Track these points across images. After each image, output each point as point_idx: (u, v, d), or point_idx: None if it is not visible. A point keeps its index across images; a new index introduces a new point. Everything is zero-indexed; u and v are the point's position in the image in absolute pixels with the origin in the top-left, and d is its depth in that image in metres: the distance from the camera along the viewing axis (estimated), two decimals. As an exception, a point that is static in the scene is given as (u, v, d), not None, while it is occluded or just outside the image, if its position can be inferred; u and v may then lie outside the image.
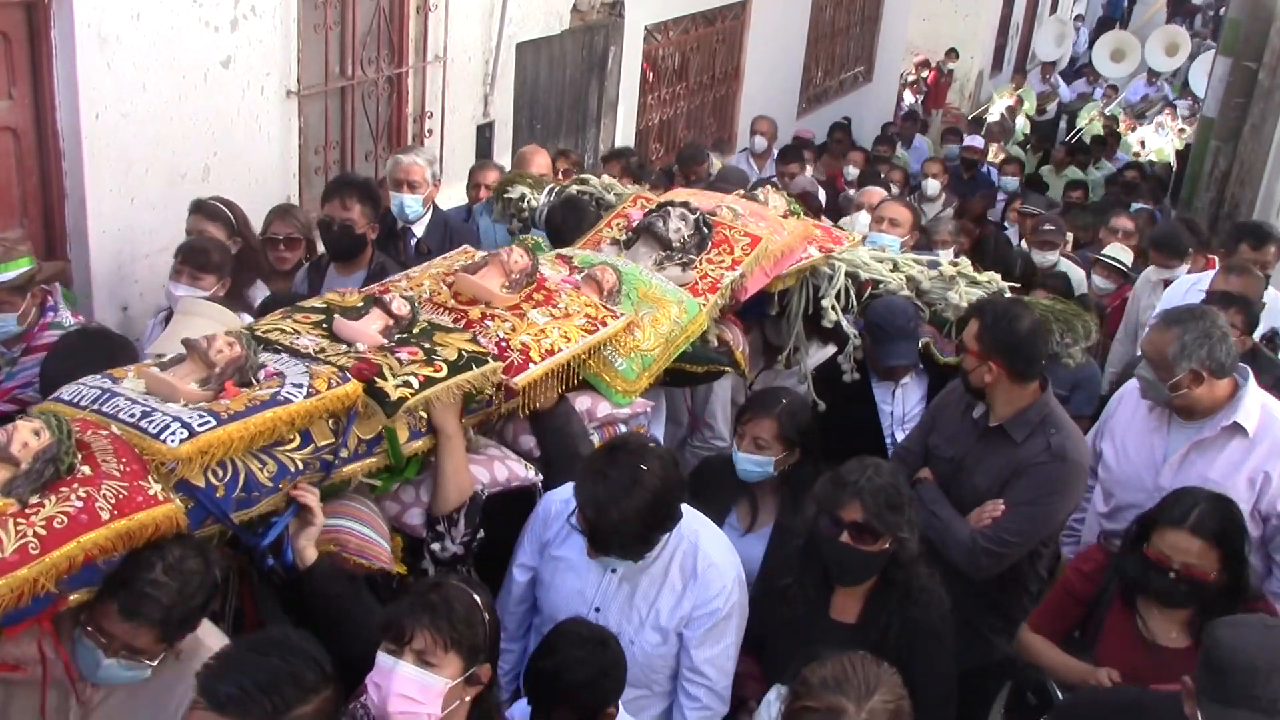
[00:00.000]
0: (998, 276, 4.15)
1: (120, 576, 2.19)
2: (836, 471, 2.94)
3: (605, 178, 4.67)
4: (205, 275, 3.97)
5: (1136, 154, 12.87)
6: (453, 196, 6.33)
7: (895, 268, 4.16)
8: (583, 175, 4.80)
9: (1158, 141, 13.37)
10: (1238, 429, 3.51)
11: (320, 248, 4.68)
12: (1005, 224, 8.54)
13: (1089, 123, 13.53)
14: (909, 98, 14.86)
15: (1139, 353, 3.99)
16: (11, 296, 3.65)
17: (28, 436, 2.12)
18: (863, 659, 2.35)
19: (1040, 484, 3.38)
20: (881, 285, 4.11)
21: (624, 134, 8.72)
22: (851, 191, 8.19)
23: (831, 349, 4.25)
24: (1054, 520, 3.52)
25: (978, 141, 10.75)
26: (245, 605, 2.55)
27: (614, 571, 2.86)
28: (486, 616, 2.32)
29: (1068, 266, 6.49)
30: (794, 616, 2.97)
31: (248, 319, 3.55)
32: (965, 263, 4.22)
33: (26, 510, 2.06)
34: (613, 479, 2.65)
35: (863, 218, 6.01)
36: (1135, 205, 8.48)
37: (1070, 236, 6.86)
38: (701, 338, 3.56)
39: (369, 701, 2.26)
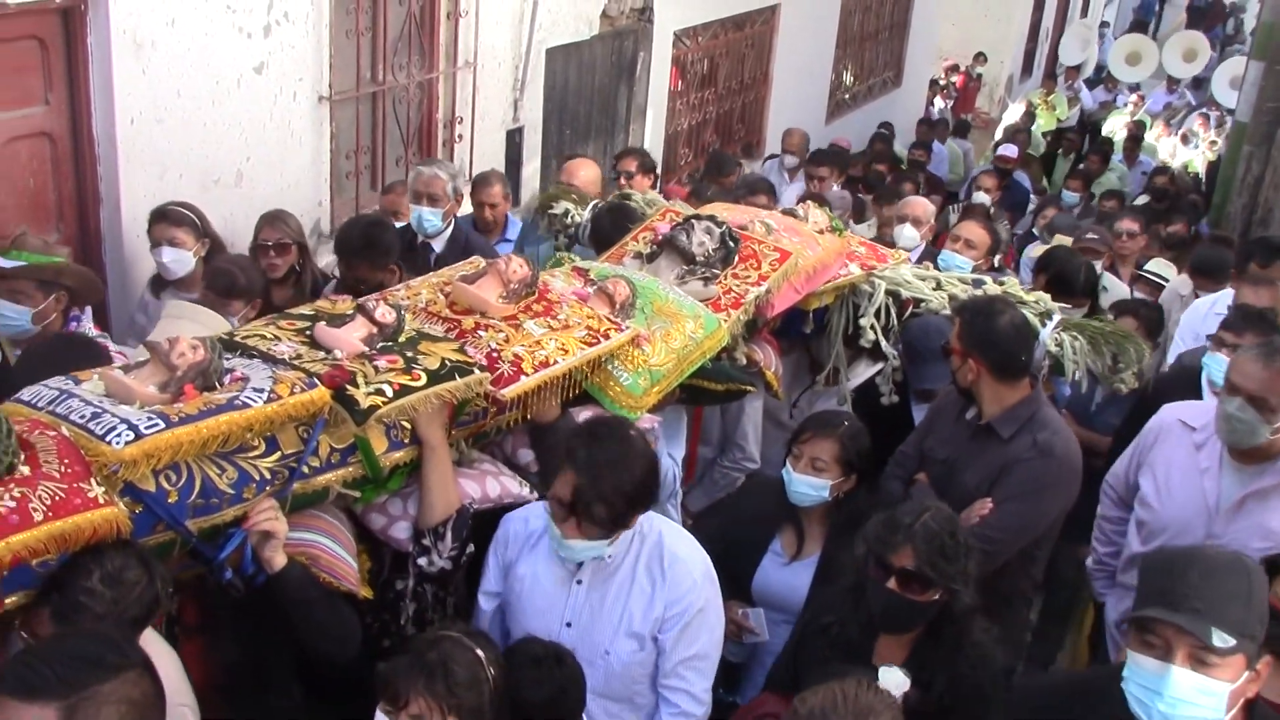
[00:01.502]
0: (1046, 296, 3.82)
1: (56, 581, 2.03)
2: (891, 511, 2.63)
3: (650, 193, 4.40)
4: (232, 301, 3.74)
5: (1165, 163, 12.22)
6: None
7: (938, 286, 3.87)
8: (626, 190, 4.54)
9: (1187, 153, 12.64)
10: None
11: (314, 254, 4.52)
12: (1035, 232, 7.94)
13: (1115, 131, 12.89)
14: (939, 103, 14.41)
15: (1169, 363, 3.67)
16: (27, 287, 3.39)
17: (-36, 436, 1.93)
18: (858, 684, 2.08)
19: (1026, 480, 3.19)
20: (923, 304, 3.83)
21: (653, 139, 8.48)
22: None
23: (875, 369, 4.00)
24: (1042, 518, 3.28)
25: (1011, 150, 10.09)
26: (184, 613, 2.34)
27: (580, 583, 2.62)
28: (492, 673, 2.12)
29: (1110, 281, 5.83)
30: (834, 659, 2.64)
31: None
32: (1012, 281, 3.92)
33: None
34: (608, 446, 2.47)
35: (908, 230, 5.52)
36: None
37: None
38: (729, 356, 3.32)
39: None
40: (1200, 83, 16.49)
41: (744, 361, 3.51)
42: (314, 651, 2.46)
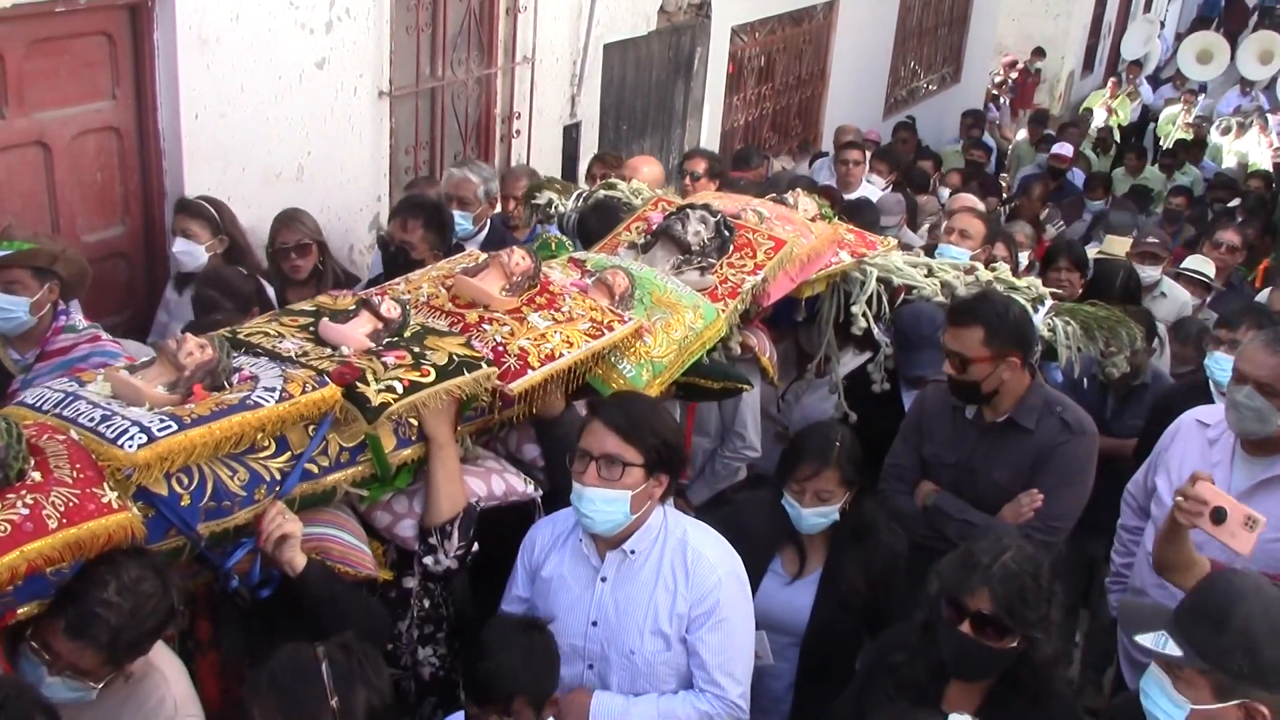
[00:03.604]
0: (1037, 282, 3.66)
1: (70, 592, 1.95)
2: (968, 548, 2.36)
3: (634, 182, 4.26)
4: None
5: (1239, 165, 11.54)
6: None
7: (930, 273, 3.71)
8: (610, 180, 4.42)
9: (1258, 155, 11.86)
10: None
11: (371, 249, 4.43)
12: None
13: (1174, 128, 12.25)
14: (1000, 98, 13.93)
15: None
16: (22, 276, 3.19)
17: (-28, 442, 1.89)
18: None
19: (1071, 462, 3.12)
20: (915, 291, 3.67)
21: (709, 135, 8.33)
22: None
23: (865, 356, 3.85)
24: (1087, 494, 3.19)
25: (1066, 149, 9.61)
26: (198, 628, 2.27)
27: (604, 580, 2.54)
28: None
29: (1170, 287, 5.50)
30: (900, 700, 2.43)
31: None
32: (1004, 268, 3.73)
33: None
34: (639, 400, 2.55)
35: (955, 249, 5.28)
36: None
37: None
38: (723, 344, 3.20)
39: None
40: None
41: (739, 350, 3.40)
42: None
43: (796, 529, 2.96)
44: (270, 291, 4.15)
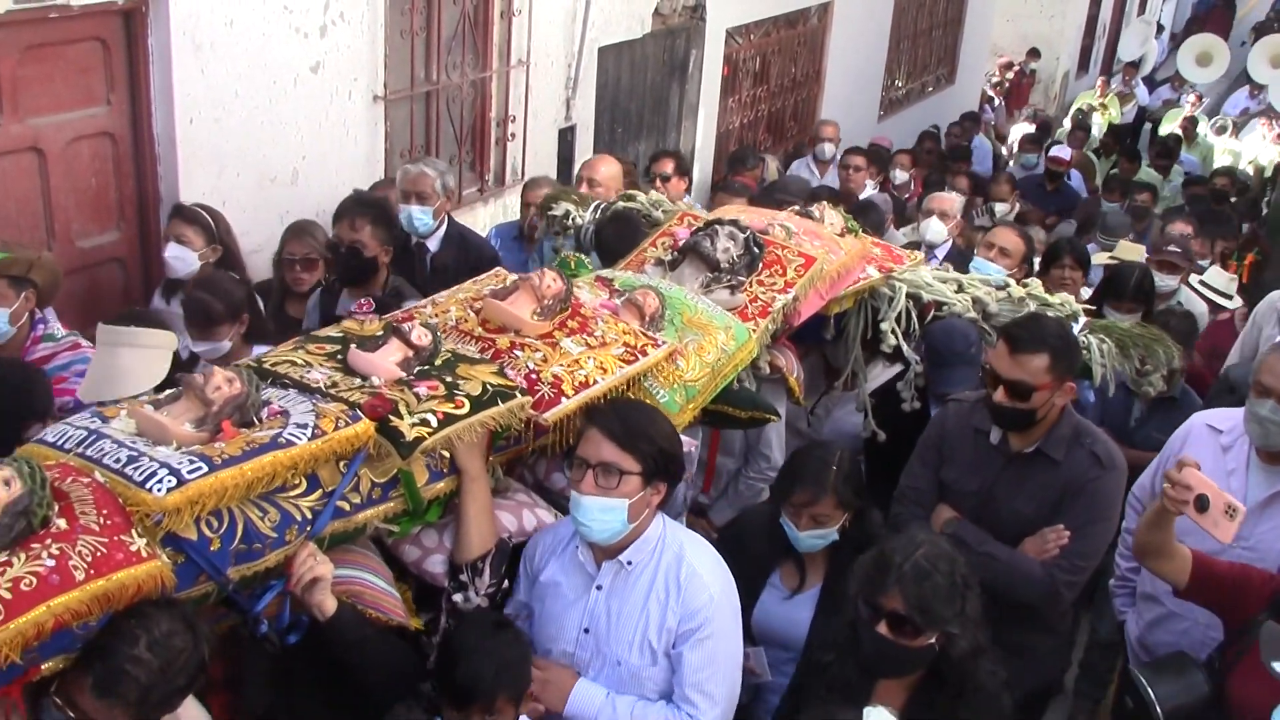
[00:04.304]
0: (1071, 299, 3.61)
1: (98, 647, 1.85)
2: (881, 549, 2.39)
3: (653, 193, 4.19)
4: (215, 329, 3.41)
5: (1229, 166, 11.49)
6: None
7: (960, 288, 3.64)
8: (629, 191, 4.33)
9: (1269, 153, 11.79)
10: None
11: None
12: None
13: (1174, 125, 12.24)
14: (994, 99, 13.94)
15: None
16: (0, 288, 3.16)
17: (-4, 487, 1.78)
18: None
19: (1102, 499, 3.03)
20: (945, 307, 3.60)
21: (705, 137, 8.30)
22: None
23: (893, 370, 3.79)
24: (1115, 531, 3.17)
25: (1064, 152, 9.52)
26: (213, 669, 2.16)
27: (599, 588, 2.49)
28: None
29: (1188, 298, 5.36)
30: (831, 700, 2.45)
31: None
32: (1036, 283, 3.66)
33: None
34: (637, 407, 2.53)
35: (935, 224, 5.43)
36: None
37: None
38: (751, 364, 3.12)
39: None
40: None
41: (767, 370, 3.33)
42: (374, 691, 2.33)
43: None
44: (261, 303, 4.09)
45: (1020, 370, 2.96)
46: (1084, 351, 3.41)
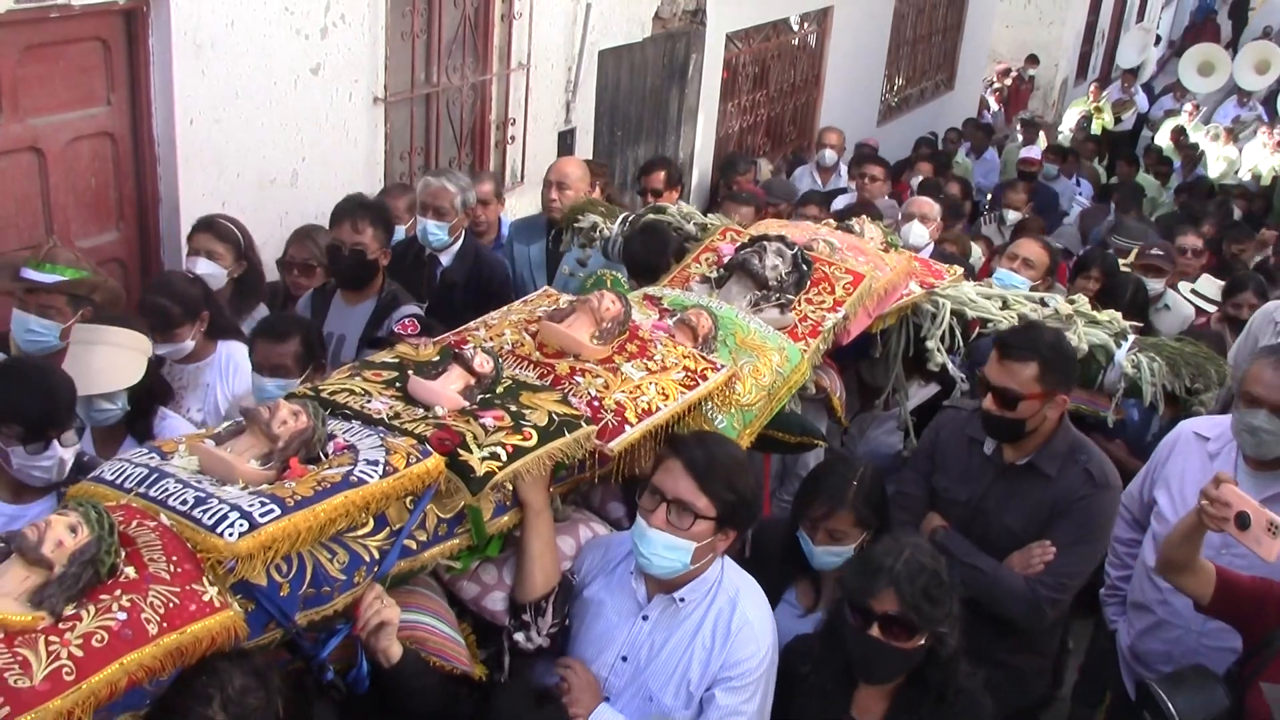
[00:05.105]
0: (1119, 315, 3.57)
1: (170, 708, 1.75)
2: (866, 553, 2.40)
3: (683, 205, 4.10)
4: (175, 330, 3.41)
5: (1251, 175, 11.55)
6: (530, 203, 6.01)
7: (1005, 305, 3.57)
8: (659, 204, 4.21)
9: (1269, 161, 11.85)
10: None
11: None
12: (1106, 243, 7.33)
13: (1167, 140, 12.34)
14: (993, 105, 13.98)
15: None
16: (58, 302, 3.20)
17: (62, 534, 1.67)
18: None
19: (1090, 517, 2.98)
20: (990, 325, 3.52)
21: (704, 141, 8.27)
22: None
23: (933, 389, 3.73)
24: (1103, 551, 3.14)
25: (1034, 152, 9.68)
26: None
27: (646, 619, 2.40)
28: None
29: (1174, 300, 5.47)
30: (809, 711, 2.43)
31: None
32: (1083, 301, 3.60)
33: (61, 625, 1.63)
34: (724, 445, 2.42)
35: (916, 227, 5.38)
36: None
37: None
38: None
39: None
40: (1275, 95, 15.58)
41: (813, 390, 3.25)
42: None
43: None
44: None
45: (1009, 378, 2.93)
46: (1133, 370, 3.37)
